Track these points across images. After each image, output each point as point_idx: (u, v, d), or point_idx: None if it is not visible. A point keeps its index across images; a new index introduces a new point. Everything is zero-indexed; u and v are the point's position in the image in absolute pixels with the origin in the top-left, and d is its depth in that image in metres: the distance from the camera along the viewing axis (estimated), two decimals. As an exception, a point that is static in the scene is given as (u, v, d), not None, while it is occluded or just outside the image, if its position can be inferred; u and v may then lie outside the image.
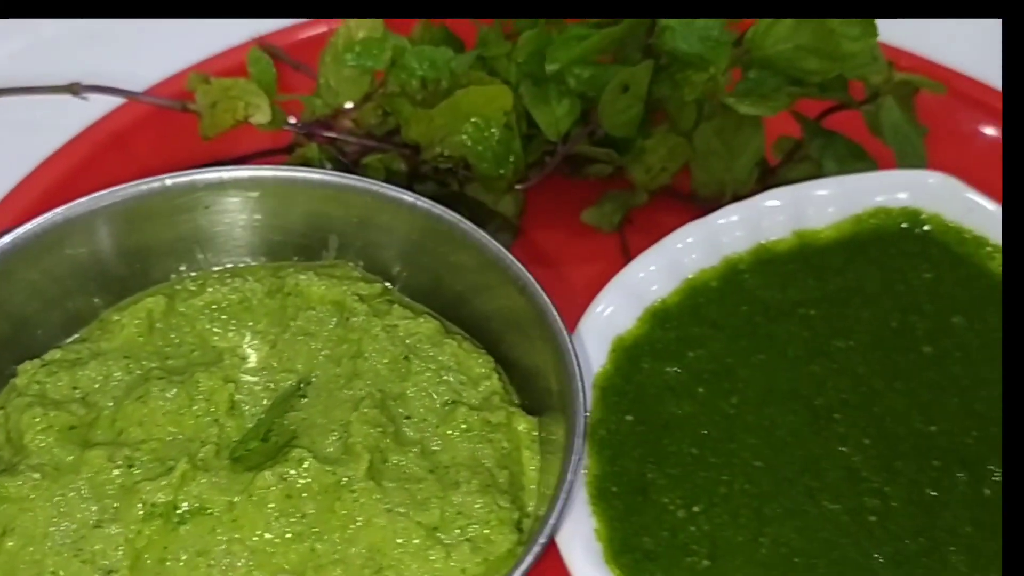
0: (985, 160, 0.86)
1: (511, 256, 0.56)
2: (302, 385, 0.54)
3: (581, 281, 0.70)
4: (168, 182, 0.58)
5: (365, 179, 0.60)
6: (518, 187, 0.76)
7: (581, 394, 0.50)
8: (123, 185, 0.58)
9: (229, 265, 0.62)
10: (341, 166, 0.74)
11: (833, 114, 0.80)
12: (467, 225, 0.57)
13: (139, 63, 0.82)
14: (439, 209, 0.58)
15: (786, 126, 0.79)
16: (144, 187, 0.58)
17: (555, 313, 0.53)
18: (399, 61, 0.74)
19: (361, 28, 0.74)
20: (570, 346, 0.51)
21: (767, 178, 0.80)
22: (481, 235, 0.57)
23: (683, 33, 0.72)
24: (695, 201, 0.79)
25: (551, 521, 0.45)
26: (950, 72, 0.90)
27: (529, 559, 0.44)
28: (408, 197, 0.58)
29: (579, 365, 0.51)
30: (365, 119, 0.77)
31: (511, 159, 0.73)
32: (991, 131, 0.87)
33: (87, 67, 0.77)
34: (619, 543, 0.51)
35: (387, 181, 0.72)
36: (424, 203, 0.58)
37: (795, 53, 0.71)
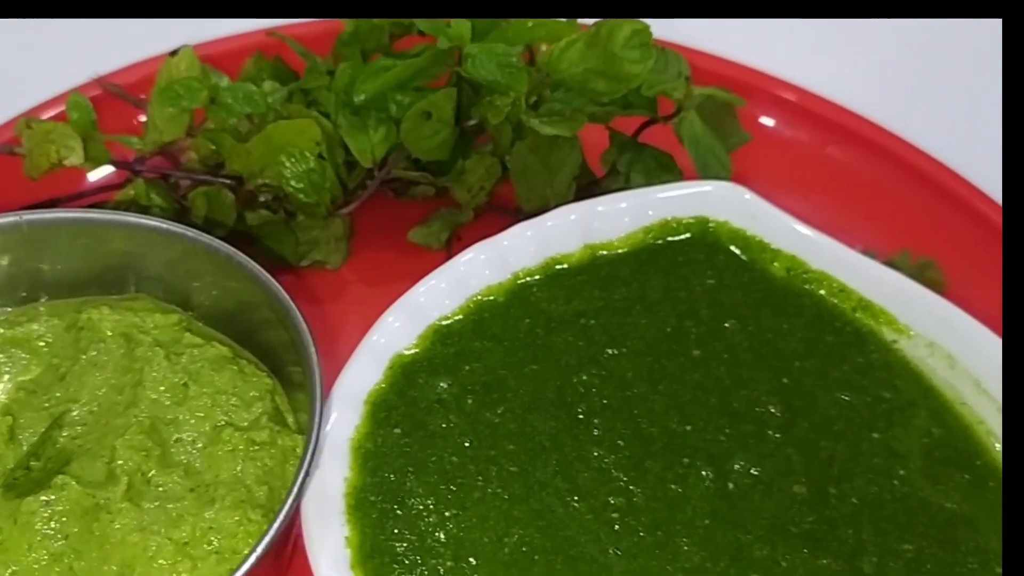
0: (802, 166, 0.91)
1: (277, 286, 0.60)
2: (77, 414, 0.58)
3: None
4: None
5: (152, 217, 0.64)
6: (341, 212, 0.81)
7: (318, 416, 0.54)
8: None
9: (44, 299, 0.66)
10: (170, 201, 0.78)
11: (649, 128, 0.85)
12: (241, 257, 0.61)
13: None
14: (216, 243, 0.62)
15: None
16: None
17: (309, 340, 0.57)
18: (217, 99, 0.78)
19: (181, 65, 0.78)
20: (316, 369, 0.55)
21: (592, 190, 0.84)
22: (253, 266, 0.61)
23: (483, 60, 0.76)
24: (520, 216, 0.83)
25: (273, 528, 0.49)
26: (783, 83, 0.95)
27: (247, 564, 0.48)
28: (189, 233, 0.63)
29: (321, 386, 0.55)
30: (199, 152, 0.81)
31: (327, 187, 0.77)
32: (806, 137, 0.92)
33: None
34: (368, 548, 0.55)
35: (209, 213, 0.77)
36: (203, 238, 0.63)
37: (585, 76, 0.76)
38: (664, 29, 0.78)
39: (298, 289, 0.82)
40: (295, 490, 0.51)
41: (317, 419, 0.54)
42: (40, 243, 0.64)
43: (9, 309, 0.65)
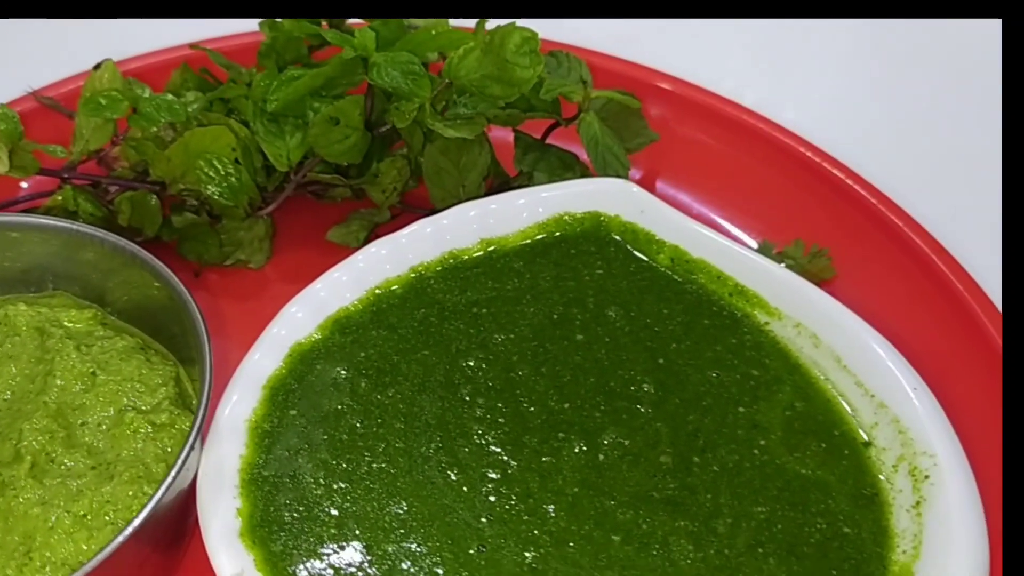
0: (707, 165, 0.96)
1: (175, 279, 0.65)
2: (-8, 402, 0.63)
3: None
4: None
5: (64, 220, 0.69)
6: (260, 213, 0.86)
7: (206, 393, 0.59)
8: None
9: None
10: (98, 206, 0.83)
11: (556, 131, 0.90)
12: (144, 255, 0.66)
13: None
14: (122, 242, 0.67)
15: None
16: None
17: (200, 324, 0.62)
18: (139, 109, 0.83)
19: (104, 77, 0.83)
20: (206, 351, 0.60)
21: (504, 189, 0.89)
22: (155, 262, 0.66)
23: (387, 69, 0.81)
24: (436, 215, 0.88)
25: (157, 494, 0.54)
26: (683, 83, 1.00)
27: (129, 528, 0.53)
28: (98, 233, 0.68)
29: (211, 367, 0.60)
30: (125, 160, 0.86)
31: (243, 190, 0.82)
32: (706, 135, 0.98)
33: None
34: (258, 519, 0.60)
35: (134, 216, 0.82)
36: (110, 237, 0.67)
37: (482, 81, 0.81)
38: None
39: (222, 287, 0.87)
40: (180, 460, 0.55)
41: (205, 397, 0.58)
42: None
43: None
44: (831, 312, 0.71)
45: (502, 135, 0.90)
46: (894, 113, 1.05)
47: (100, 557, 0.52)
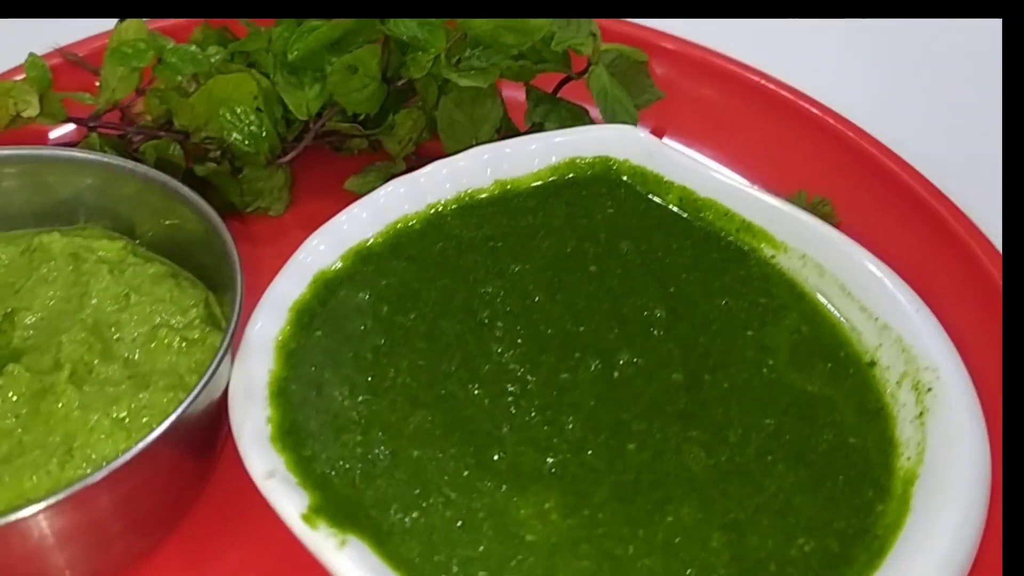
0: (713, 121, 0.99)
1: (206, 205, 0.67)
2: (29, 320, 0.65)
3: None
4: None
5: (101, 152, 0.72)
6: (280, 161, 0.88)
7: (237, 312, 0.61)
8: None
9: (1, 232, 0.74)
10: (123, 153, 0.86)
11: (567, 85, 0.93)
12: (175, 183, 0.69)
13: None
14: (154, 173, 0.70)
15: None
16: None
17: (235, 253, 0.64)
18: (163, 59, 0.86)
19: (129, 31, 0.86)
20: (239, 278, 0.63)
21: (516, 142, 0.92)
22: (185, 190, 0.68)
23: (404, 19, 0.84)
24: (447, 166, 0.91)
25: (188, 399, 0.56)
26: (687, 42, 1.03)
27: (165, 424, 0.55)
28: (129, 165, 0.70)
29: (242, 288, 0.62)
30: (150, 111, 0.89)
31: (264, 137, 0.85)
32: (711, 92, 1.01)
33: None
34: (288, 426, 0.62)
35: (158, 164, 0.84)
36: (141, 169, 0.70)
37: (495, 30, 0.84)
38: None
39: (243, 234, 0.89)
40: (212, 367, 0.58)
41: (237, 312, 0.61)
42: (17, 179, 0.71)
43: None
44: (836, 242, 0.74)
45: (514, 94, 0.93)
46: (897, 74, 1.09)
47: (134, 451, 0.54)
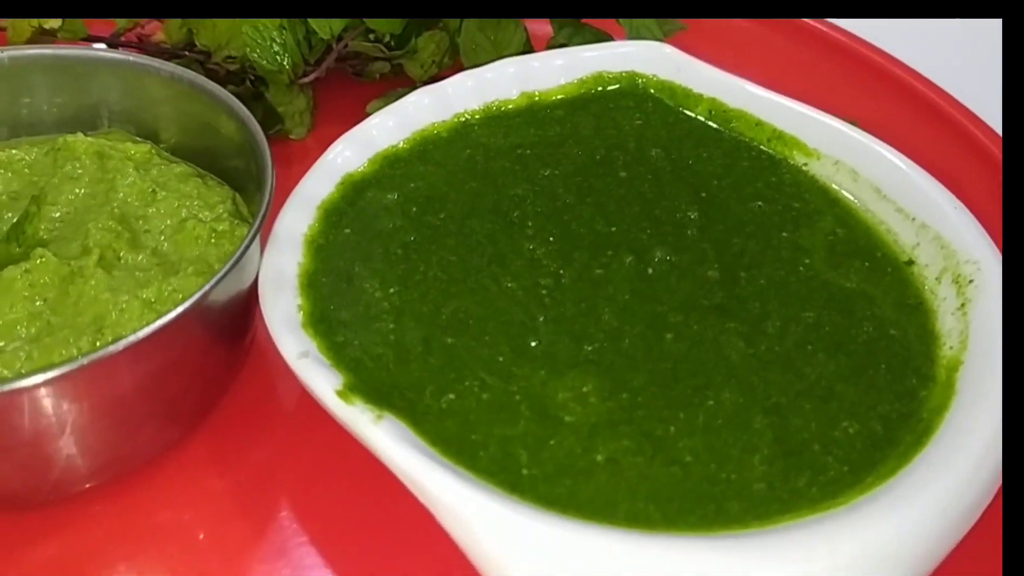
0: (738, 51, 0.98)
1: (236, 101, 0.66)
2: (56, 214, 0.64)
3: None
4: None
5: (130, 53, 0.71)
6: (302, 81, 0.87)
7: (267, 199, 0.60)
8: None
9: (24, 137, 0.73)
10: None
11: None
12: (201, 79, 0.68)
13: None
14: (180, 70, 0.69)
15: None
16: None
17: (264, 143, 0.63)
18: (186, -23, 0.85)
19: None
20: (269, 168, 0.62)
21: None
22: (211, 85, 0.67)
23: (429, -64, 0.83)
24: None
25: (216, 277, 0.55)
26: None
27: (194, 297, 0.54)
28: (154, 63, 0.69)
29: (272, 177, 0.61)
30: (170, 36, 0.88)
31: (287, 55, 0.84)
32: (732, 26, 1.00)
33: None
34: (319, 315, 0.61)
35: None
36: (167, 66, 0.69)
37: (521, -54, 0.83)
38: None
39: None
40: (241, 249, 0.57)
41: (267, 200, 0.60)
42: (20, 80, 0.70)
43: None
44: (868, 146, 0.72)
45: (536, 26, 0.92)
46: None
47: (157, 324, 0.52)
